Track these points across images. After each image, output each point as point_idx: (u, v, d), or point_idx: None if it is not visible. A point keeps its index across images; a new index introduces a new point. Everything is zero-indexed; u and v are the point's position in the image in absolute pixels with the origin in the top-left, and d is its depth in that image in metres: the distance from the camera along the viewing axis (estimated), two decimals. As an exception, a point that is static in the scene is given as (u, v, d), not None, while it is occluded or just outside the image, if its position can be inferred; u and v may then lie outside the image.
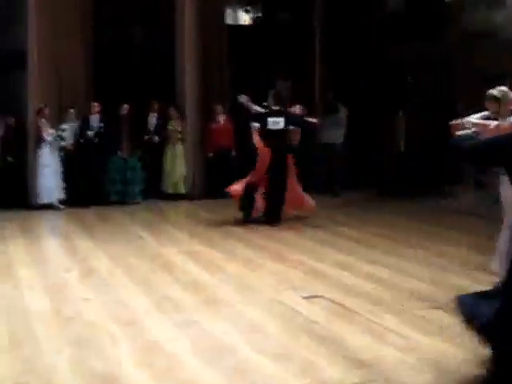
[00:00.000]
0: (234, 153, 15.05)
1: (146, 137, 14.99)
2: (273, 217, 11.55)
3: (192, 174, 15.05)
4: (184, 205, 14.53)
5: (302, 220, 12.19)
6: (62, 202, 14.00)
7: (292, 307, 6.91)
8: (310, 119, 12.39)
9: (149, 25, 17.36)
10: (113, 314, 6.76)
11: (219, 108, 15.05)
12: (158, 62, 16.10)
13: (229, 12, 17.72)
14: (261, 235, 10.72)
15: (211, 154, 15.04)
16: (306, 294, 7.36)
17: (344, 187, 15.37)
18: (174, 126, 15.07)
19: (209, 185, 15.08)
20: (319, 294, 7.37)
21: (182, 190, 15.11)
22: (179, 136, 15.03)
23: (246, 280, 8.11)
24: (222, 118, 15.14)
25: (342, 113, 15.51)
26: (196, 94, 14.97)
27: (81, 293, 7.66)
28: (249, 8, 19.74)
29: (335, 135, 15.44)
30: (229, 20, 17.44)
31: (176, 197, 14.94)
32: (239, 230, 11.15)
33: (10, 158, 14.07)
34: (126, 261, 9.18)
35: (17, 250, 10.10)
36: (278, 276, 8.26)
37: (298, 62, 16.97)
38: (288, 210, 11.89)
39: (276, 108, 11.81)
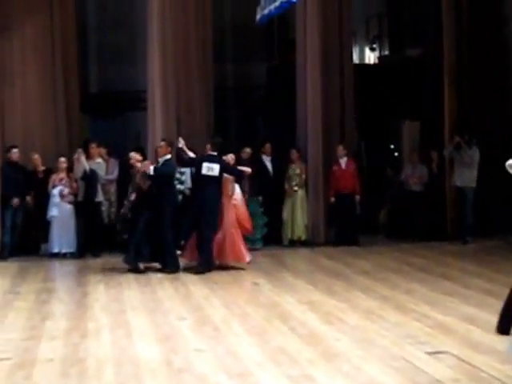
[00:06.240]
0: (357, 197, 14.96)
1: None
2: (203, 267, 11.99)
3: (313, 220, 15.05)
4: (304, 252, 14.52)
5: (425, 269, 11.99)
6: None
7: (415, 363, 6.78)
8: (244, 168, 12.72)
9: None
10: (225, 366, 6.81)
11: (341, 150, 14.92)
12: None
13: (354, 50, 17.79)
14: (385, 285, 10.57)
15: (333, 199, 14.90)
16: (430, 350, 7.21)
17: (477, 234, 14.93)
18: (295, 169, 15.06)
19: (331, 232, 15.14)
20: (444, 349, 7.19)
21: (303, 236, 15.10)
22: (297, 181, 15.05)
23: (367, 332, 8.06)
24: (344, 161, 14.99)
25: (476, 154, 15.04)
26: (318, 136, 14.99)
27: (193, 343, 7.78)
28: (375, 46, 19.85)
29: (467, 178, 14.99)
30: (354, 59, 17.48)
31: (297, 244, 15.04)
32: (361, 279, 11.04)
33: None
34: (241, 309, 9.35)
35: (131, 295, 10.41)
36: (401, 329, 8.17)
37: (427, 102, 16.73)
38: (224, 260, 12.34)
39: (211, 154, 12.27)
